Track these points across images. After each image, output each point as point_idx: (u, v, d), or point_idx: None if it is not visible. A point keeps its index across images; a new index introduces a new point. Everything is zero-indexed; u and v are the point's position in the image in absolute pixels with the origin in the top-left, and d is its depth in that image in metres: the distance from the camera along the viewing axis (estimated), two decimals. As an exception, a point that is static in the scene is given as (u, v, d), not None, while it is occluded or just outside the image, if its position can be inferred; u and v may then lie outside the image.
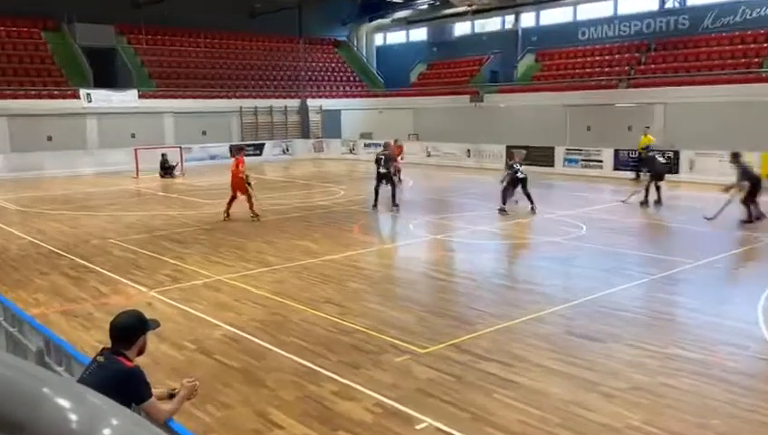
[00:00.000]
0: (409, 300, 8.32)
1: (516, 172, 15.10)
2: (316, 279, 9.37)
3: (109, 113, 27.20)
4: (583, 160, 23.24)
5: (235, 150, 16.43)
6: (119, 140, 26.99)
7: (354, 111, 33.55)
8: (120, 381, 3.07)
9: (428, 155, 28.24)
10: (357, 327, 7.20)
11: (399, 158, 21.16)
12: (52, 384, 0.70)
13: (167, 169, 24.45)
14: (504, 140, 25.57)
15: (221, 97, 31.12)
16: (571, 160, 23.52)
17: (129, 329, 3.34)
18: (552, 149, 24.11)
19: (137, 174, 24.14)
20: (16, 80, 26.82)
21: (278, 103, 32.78)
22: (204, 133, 29.97)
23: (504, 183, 15.21)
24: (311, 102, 33.82)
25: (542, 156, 24.46)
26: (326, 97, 34.80)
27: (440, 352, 6.46)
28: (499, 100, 28.43)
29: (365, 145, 31.16)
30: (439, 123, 29.42)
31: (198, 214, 15.74)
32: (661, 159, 16.53)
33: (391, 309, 7.93)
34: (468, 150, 26.75)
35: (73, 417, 0.65)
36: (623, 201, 16.36)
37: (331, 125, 33.47)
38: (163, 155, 24.74)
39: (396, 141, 21.18)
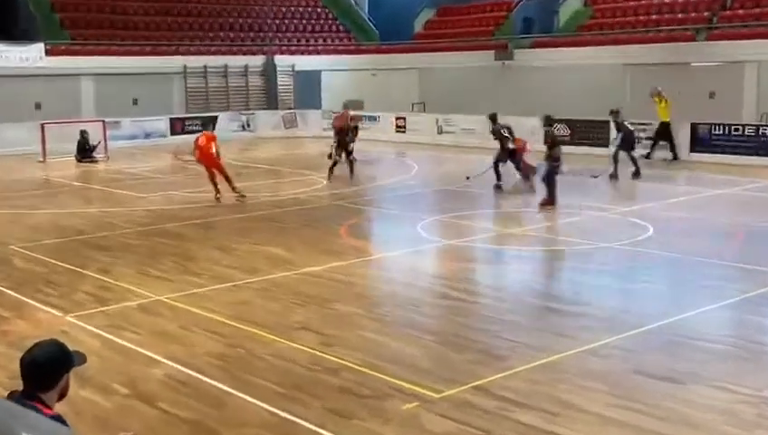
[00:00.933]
0: (418, 327, 8.37)
1: (507, 140, 17.29)
2: (291, 299, 9.39)
3: (5, 75, 27.11)
4: (649, 139, 23.32)
5: (206, 124, 17.24)
6: (18, 111, 26.88)
7: (339, 73, 33.56)
8: None
9: (440, 132, 28.28)
10: (347, 364, 7.24)
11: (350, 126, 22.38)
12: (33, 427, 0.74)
13: (86, 151, 24.43)
14: (542, 110, 25.57)
15: (159, 53, 31.04)
16: (632, 139, 23.55)
17: (51, 366, 3.34)
18: (607, 123, 24.15)
19: (44, 157, 24.12)
20: None
21: (236, 62, 32.75)
22: (135, 103, 29.91)
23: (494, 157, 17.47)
24: (280, 61, 33.80)
25: (592, 133, 24.50)
26: (301, 53, 34.79)
27: (460, 396, 6.49)
28: (534, 57, 28.49)
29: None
30: (454, 89, 29.44)
31: (130, 211, 15.75)
32: (630, 127, 19.37)
33: (393, 339, 7.97)
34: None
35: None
36: (594, 176, 18.64)
37: (308, 92, 33.45)
38: (82, 132, 24.69)
39: (345, 107, 23.00)
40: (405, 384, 6.73)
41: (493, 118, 18.30)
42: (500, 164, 17.42)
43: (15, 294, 9.73)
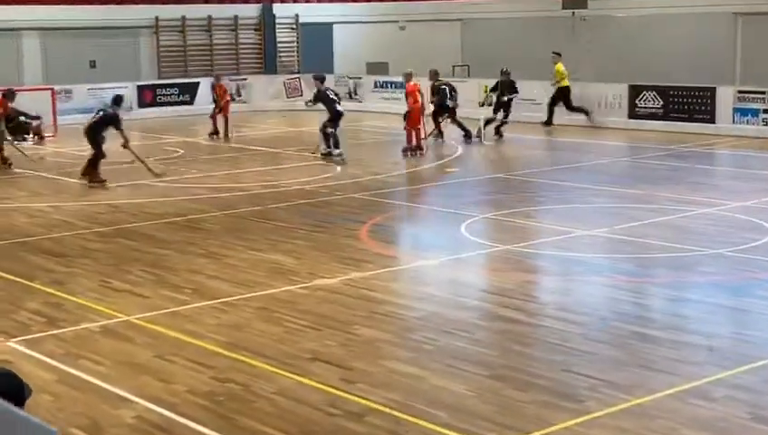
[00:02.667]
0: (465, 358, 8.36)
1: (334, 103, 20.28)
2: (299, 321, 9.41)
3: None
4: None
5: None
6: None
7: (356, 27, 33.58)
8: None
9: (490, 103, 28.21)
10: (374, 406, 7.24)
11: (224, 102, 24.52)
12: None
13: (20, 128, 24.26)
14: (625, 74, 25.50)
15: (122, 2, 31.22)
16: (744, 111, 23.41)
17: (9, 399, 3.39)
18: (712, 91, 24.01)
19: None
20: None
21: (221, 12, 32.92)
22: (93, 66, 30.12)
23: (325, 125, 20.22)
24: (280, 10, 33.89)
25: (693, 104, 24.32)
26: (306, 1, 34.84)
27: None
28: (615, 5, 28.33)
29: (377, 85, 31.18)
30: (508, 48, 29.35)
31: (88, 206, 15.91)
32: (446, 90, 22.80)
33: (433, 374, 7.96)
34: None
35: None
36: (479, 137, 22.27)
37: (317, 51, 33.50)
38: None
39: (218, 79, 25.38)
40: (449, 433, 6.72)
41: (320, 79, 21.17)
42: (329, 130, 20.10)
43: (-57, 313, 9.84)
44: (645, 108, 24.91)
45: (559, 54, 25.41)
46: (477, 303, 10.27)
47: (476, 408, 7.22)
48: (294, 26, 34.09)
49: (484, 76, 28.67)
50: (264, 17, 33.62)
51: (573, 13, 28.52)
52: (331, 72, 32.70)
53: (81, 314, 9.81)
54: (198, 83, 31.36)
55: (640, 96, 24.91)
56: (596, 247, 12.84)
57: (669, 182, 16.82)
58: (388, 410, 7.17)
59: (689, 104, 24.38)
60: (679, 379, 7.67)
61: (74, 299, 10.34)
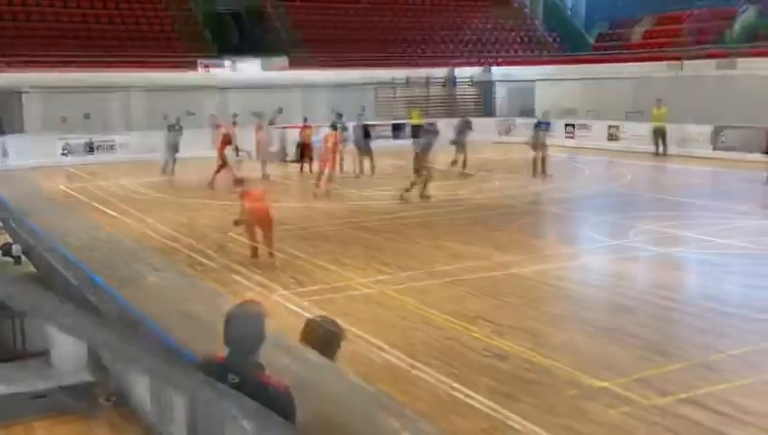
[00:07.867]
0: (587, 322, 8.59)
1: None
2: (504, 296, 9.58)
3: (252, 87, 29.40)
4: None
5: None
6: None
7: (552, 82, 33.05)
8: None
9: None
10: (556, 364, 7.30)
11: None
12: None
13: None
14: (764, 117, 23.65)
15: (382, 65, 32.04)
16: None
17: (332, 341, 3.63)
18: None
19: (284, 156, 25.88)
20: (148, 45, 29.77)
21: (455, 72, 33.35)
22: (363, 110, 31.18)
23: None
24: (495, 71, 34.15)
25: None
26: (515, 63, 34.78)
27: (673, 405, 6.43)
28: (759, 67, 26.30)
29: (567, 126, 30.81)
30: (668, 98, 27.89)
31: (326, 206, 16.64)
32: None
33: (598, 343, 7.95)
34: (717, 132, 25.22)
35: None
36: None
37: (522, 100, 33.35)
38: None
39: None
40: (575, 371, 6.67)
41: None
42: None
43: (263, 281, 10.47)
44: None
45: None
46: (636, 292, 9.99)
47: (589, 353, 7.53)
48: (506, 82, 34.13)
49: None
50: (485, 76, 33.91)
51: (724, 73, 26.80)
52: (533, 115, 32.34)
53: (320, 278, 10.49)
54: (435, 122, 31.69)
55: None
56: (737, 254, 11.97)
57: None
58: (569, 367, 7.19)
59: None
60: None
61: (318, 265, 11.10)
